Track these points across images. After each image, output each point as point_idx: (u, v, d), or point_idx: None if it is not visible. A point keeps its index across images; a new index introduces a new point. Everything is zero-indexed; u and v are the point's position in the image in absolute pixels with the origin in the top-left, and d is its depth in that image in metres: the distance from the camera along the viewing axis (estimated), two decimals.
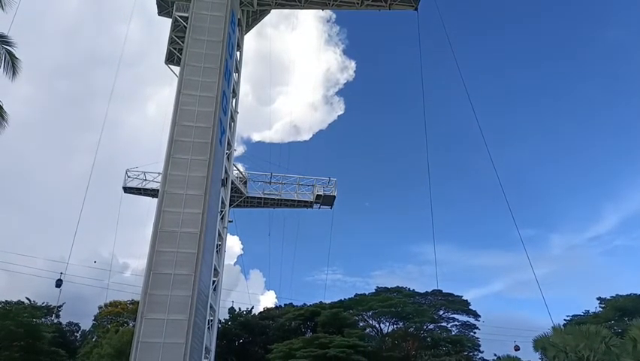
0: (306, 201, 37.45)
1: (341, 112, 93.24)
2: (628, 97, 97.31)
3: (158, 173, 32.03)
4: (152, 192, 35.37)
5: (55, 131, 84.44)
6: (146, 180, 36.23)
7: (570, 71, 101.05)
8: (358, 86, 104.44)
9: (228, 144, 30.87)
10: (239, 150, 42.69)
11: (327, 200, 37.23)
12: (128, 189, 36.42)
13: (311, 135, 77.82)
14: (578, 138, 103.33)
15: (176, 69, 30.89)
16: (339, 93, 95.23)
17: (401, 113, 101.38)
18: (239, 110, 33.54)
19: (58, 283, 34.15)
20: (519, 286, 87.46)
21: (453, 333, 52.34)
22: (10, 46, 17.61)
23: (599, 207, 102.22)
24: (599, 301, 52.19)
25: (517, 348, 38.75)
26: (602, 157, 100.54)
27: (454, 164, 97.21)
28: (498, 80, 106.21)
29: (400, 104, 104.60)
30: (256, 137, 79.93)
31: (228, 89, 30.29)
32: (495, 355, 41.14)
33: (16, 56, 17.65)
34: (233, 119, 32.44)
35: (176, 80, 28.58)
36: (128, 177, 36.36)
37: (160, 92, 75.76)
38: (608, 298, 51.10)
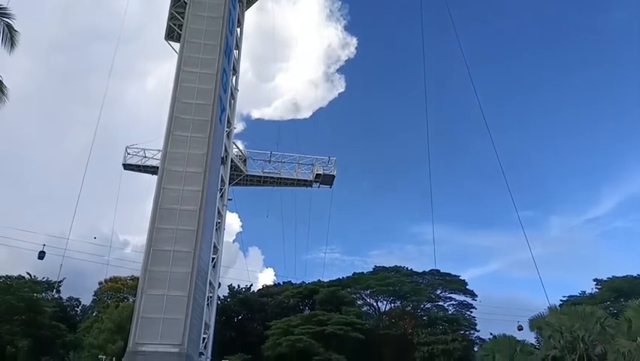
0: (306, 180, 37.41)
1: (342, 89, 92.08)
2: (628, 81, 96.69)
3: (158, 150, 31.84)
4: (151, 169, 35.23)
5: (54, 106, 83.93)
6: (145, 157, 36.05)
7: (571, 56, 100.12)
8: (359, 63, 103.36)
9: (228, 121, 30.70)
10: (238, 127, 42.31)
11: (326, 179, 37.17)
12: (127, 166, 36.29)
13: (311, 113, 76.83)
14: (579, 122, 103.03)
15: (176, 45, 30.49)
16: (340, 70, 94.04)
17: (402, 93, 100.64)
18: (239, 88, 33.31)
19: (41, 255, 34.19)
20: (516, 266, 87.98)
21: (450, 312, 52.97)
22: (8, 18, 17.29)
23: (597, 190, 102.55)
24: (595, 283, 52.76)
25: (520, 328, 38.96)
26: (602, 140, 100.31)
27: (454, 144, 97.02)
28: (499, 65, 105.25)
29: (401, 83, 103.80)
30: (255, 114, 79.37)
31: (228, 67, 29.99)
32: (491, 334, 41.55)
33: (15, 28, 17.35)
34: (233, 97, 32.21)
35: (175, 56, 28.32)
36: (128, 153, 36.16)
37: (160, 68, 74.73)
38: (605, 279, 51.61)
